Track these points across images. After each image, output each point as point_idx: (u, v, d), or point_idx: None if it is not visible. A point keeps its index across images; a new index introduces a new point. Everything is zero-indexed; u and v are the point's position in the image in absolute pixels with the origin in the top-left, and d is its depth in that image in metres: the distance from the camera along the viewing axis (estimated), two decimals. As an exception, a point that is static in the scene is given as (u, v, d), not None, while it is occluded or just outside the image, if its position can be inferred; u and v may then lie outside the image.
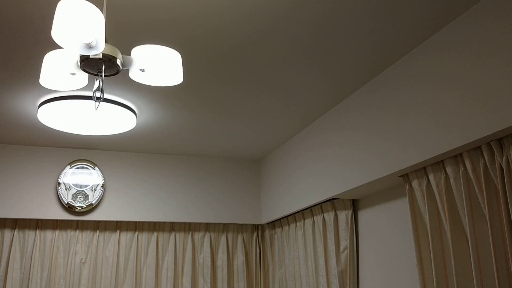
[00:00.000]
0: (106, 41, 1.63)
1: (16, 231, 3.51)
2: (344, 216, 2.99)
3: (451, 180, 2.07)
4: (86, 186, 3.60)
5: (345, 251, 2.94)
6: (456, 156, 2.07)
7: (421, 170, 2.26)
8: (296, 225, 3.54)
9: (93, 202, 3.58)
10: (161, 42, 2.16)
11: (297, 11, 1.95)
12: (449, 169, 2.09)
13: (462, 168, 2.02)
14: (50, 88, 1.79)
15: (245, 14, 1.95)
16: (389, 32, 2.12)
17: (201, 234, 3.93)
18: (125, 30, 2.05)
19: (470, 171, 1.97)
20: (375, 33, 2.12)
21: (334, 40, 2.18)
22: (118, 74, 2.35)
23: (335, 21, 2.02)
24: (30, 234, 3.54)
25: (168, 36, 2.11)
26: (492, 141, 1.87)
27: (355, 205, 3.03)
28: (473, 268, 1.89)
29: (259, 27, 2.06)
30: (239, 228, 4.04)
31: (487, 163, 1.89)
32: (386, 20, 2.02)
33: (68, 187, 3.55)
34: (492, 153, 1.89)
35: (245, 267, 3.95)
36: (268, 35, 2.13)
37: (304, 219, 3.42)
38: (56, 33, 1.42)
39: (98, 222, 3.70)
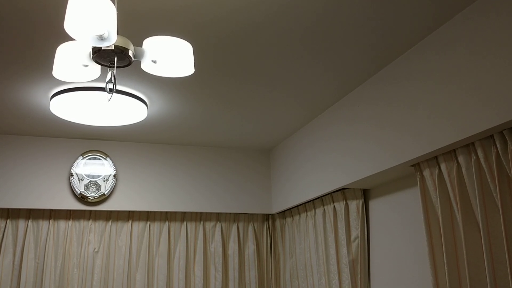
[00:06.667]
0: (117, 33, 1.64)
1: (30, 221, 3.56)
2: (355, 205, 3.00)
3: (463, 169, 2.06)
4: (99, 176, 3.63)
5: (356, 241, 2.95)
6: (468, 145, 2.06)
7: (433, 159, 2.26)
8: (306, 215, 3.55)
9: (105, 193, 3.61)
10: (171, 32, 2.17)
11: (305, 1, 1.94)
12: (461, 158, 2.08)
13: (474, 157, 2.01)
14: (63, 80, 1.81)
15: (252, 3, 1.95)
16: (397, 23, 2.10)
17: (212, 223, 3.96)
18: (135, 20, 2.06)
19: (482, 160, 1.96)
20: (383, 23, 2.11)
21: (342, 31, 2.17)
22: (130, 66, 2.36)
23: (343, 11, 2.01)
24: (44, 224, 3.59)
25: (178, 25, 2.11)
26: (504, 130, 1.86)
27: (366, 195, 3.03)
28: (485, 258, 1.89)
29: (266, 17, 2.05)
30: (250, 217, 4.06)
31: (500, 152, 1.88)
32: (394, 9, 2.00)
33: (80, 178, 3.59)
34: (504, 142, 1.88)
35: (256, 256, 3.97)
36: (275, 25, 2.12)
37: (314, 209, 3.43)
38: (68, 25, 1.43)
39: (110, 212, 3.74)
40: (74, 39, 2.08)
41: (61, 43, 2.24)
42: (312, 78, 2.68)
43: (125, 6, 1.95)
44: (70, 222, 3.64)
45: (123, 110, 2.91)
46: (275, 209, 3.96)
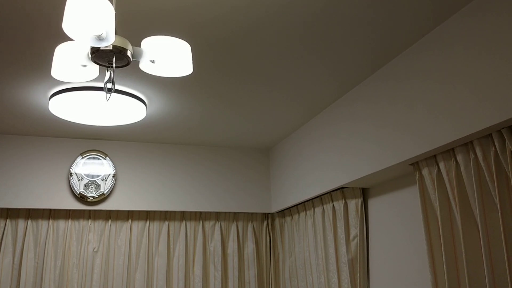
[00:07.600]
0: (116, 33, 1.64)
1: (29, 221, 3.56)
2: (354, 204, 3.00)
3: (462, 168, 2.07)
4: (98, 176, 3.64)
5: (355, 239, 2.95)
6: (467, 144, 2.06)
7: (431, 158, 2.26)
8: (306, 214, 3.55)
9: (104, 192, 3.61)
10: (169, 32, 2.17)
11: (304, 0, 1.94)
12: (459, 157, 2.08)
13: (473, 156, 2.01)
14: (62, 80, 1.81)
15: (251, 2, 1.95)
16: (396, 21, 2.10)
17: (211, 223, 3.96)
18: (133, 20, 2.06)
19: (480, 159, 1.96)
20: (382, 22, 2.11)
21: (341, 31, 2.17)
22: (129, 65, 2.36)
23: (342, 10, 2.01)
24: (43, 224, 3.59)
25: (177, 25, 2.11)
26: (503, 128, 1.86)
27: (365, 194, 3.03)
28: (483, 256, 1.90)
29: (265, 16, 2.06)
30: (249, 217, 4.07)
31: (498, 151, 1.89)
32: (393, 8, 2.00)
33: (80, 177, 3.59)
34: (503, 140, 1.88)
35: (255, 255, 3.98)
36: (274, 25, 2.12)
37: (314, 208, 3.43)
38: (67, 26, 1.43)
39: (110, 211, 3.75)
40: (73, 39, 2.08)
41: (59, 43, 2.25)
42: (311, 77, 2.68)
43: (124, 6, 1.95)
44: (70, 221, 3.64)
45: (122, 110, 2.92)
46: (275, 208, 3.96)
